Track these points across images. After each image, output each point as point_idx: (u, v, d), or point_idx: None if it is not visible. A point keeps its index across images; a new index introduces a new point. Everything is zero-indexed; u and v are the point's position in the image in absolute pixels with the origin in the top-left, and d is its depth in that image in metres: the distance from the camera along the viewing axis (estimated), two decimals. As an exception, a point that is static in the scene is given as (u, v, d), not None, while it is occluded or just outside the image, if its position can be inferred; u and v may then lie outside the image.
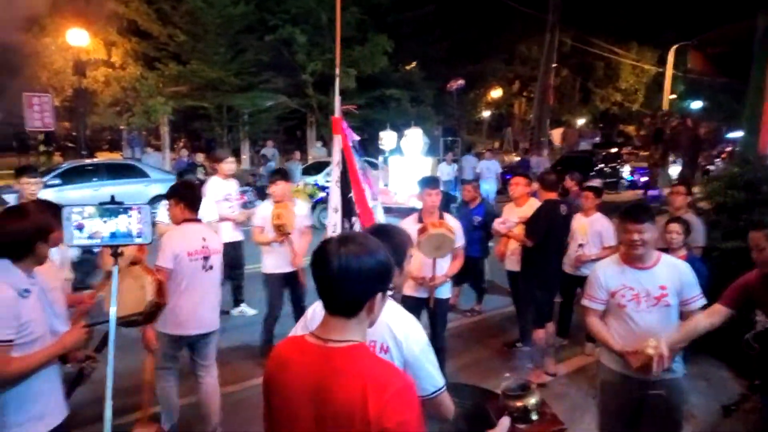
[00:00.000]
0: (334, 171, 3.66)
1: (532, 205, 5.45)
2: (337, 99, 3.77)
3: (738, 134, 12.73)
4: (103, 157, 18.28)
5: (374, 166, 16.19)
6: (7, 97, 16.41)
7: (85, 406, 4.04)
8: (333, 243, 1.50)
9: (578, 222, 5.76)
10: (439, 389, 1.99)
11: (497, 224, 5.55)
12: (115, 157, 19.34)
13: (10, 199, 5.20)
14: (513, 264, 5.62)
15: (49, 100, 15.73)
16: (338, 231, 3.53)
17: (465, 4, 25.30)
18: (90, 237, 2.17)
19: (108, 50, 17.97)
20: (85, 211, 2.17)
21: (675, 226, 4.33)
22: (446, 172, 13.67)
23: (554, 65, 23.62)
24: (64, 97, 18.06)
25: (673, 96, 34.15)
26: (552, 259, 5.14)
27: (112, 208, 2.19)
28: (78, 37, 15.95)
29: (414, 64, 25.58)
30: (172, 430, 3.91)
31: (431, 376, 1.97)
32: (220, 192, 6.23)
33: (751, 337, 4.18)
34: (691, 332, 3.02)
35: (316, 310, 2.09)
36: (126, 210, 2.19)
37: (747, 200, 5.34)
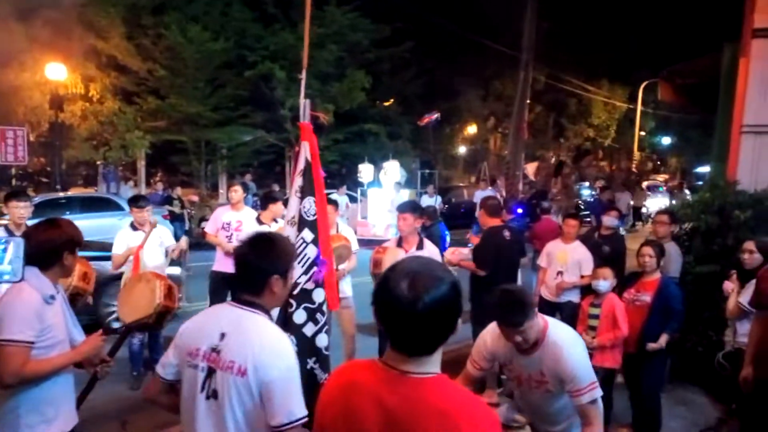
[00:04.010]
0: (296, 180, 3.38)
1: None
2: (303, 102, 3.48)
3: (706, 168, 13.27)
4: (77, 192, 17.97)
5: (353, 199, 16.29)
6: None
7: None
8: (402, 279, 1.36)
9: (558, 249, 5.84)
10: (292, 422, 1.82)
11: (449, 254, 5.56)
12: (89, 192, 19.05)
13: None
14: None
15: (24, 134, 15.59)
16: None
17: (441, 42, 25.93)
18: None
19: (86, 85, 17.90)
20: None
21: (648, 250, 4.39)
22: (428, 204, 13.79)
23: (528, 102, 24.17)
24: (40, 132, 17.89)
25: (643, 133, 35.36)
26: (508, 282, 5.05)
27: None
28: (56, 72, 15.91)
29: (392, 100, 26.00)
30: None
31: (285, 405, 1.82)
32: (217, 219, 6.19)
33: (722, 357, 4.27)
34: None
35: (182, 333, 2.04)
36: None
37: (720, 225, 5.46)
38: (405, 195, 13.89)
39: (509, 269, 5.19)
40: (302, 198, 3.34)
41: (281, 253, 2.04)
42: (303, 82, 3.59)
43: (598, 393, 2.56)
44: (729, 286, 4.26)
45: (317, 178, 3.40)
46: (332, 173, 25.29)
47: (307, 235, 3.29)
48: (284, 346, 1.92)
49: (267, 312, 2.00)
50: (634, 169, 32.02)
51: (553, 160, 24.36)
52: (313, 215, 3.31)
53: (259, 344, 1.86)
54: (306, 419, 1.82)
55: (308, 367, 3.12)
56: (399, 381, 1.39)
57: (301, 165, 3.40)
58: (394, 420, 1.35)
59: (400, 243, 4.83)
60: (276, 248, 2.04)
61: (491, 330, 2.83)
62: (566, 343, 2.63)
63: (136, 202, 5.52)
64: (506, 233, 5.17)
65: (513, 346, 2.68)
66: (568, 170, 23.83)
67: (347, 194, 15.78)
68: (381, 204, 14.39)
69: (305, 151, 3.39)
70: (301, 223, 3.31)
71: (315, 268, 3.25)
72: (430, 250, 4.75)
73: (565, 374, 2.56)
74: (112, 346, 2.92)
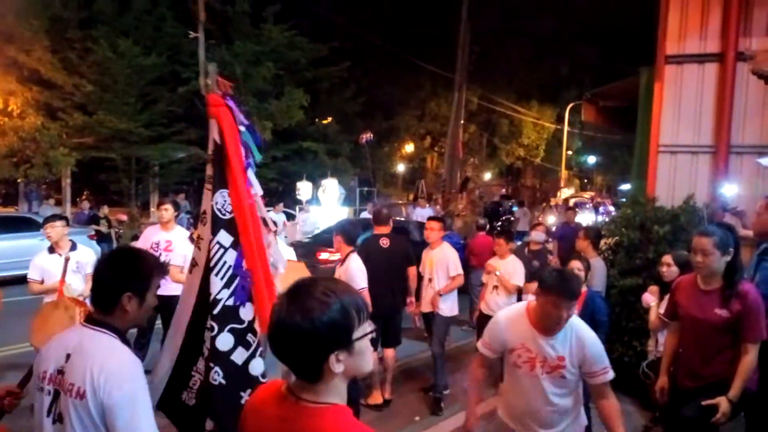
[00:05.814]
0: (207, 169, 2.71)
1: (444, 248, 5.72)
2: (205, 66, 2.74)
3: (629, 186, 14.09)
4: (-6, 211, 16.94)
5: (291, 217, 16.13)
6: None
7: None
8: (281, 301, 1.37)
9: (495, 265, 5.98)
10: None
11: None
12: (8, 211, 17.98)
13: None
14: (426, 305, 5.72)
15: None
16: (205, 246, 2.71)
17: (379, 62, 26.30)
18: None
19: (5, 99, 16.99)
20: None
21: (576, 264, 4.55)
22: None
23: (462, 122, 24.79)
24: (-46, 148, 16.77)
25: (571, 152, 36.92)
26: (380, 287, 5.08)
27: None
28: (-29, 85, 15.05)
29: (330, 118, 26.04)
30: None
31: (131, 430, 1.72)
32: (146, 240, 5.94)
33: (646, 366, 4.46)
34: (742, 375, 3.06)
35: (38, 356, 1.99)
36: None
37: (641, 240, 5.73)
38: (343, 213, 13.86)
39: (385, 276, 5.24)
40: (213, 191, 2.66)
41: (138, 270, 1.94)
42: (201, 38, 2.96)
43: (612, 374, 2.76)
44: (649, 298, 4.45)
45: (233, 165, 2.62)
46: (271, 191, 25.01)
47: (224, 238, 2.62)
48: (128, 368, 1.80)
49: (118, 332, 1.89)
50: (537, 187, 33.49)
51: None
52: (230, 213, 2.65)
53: (99, 366, 1.75)
54: None
55: (242, 401, 2.48)
56: (294, 408, 1.37)
57: (210, 149, 2.69)
58: None
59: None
60: (132, 264, 1.95)
61: (506, 314, 2.95)
62: (584, 326, 2.79)
63: (45, 221, 5.20)
64: (383, 241, 5.47)
65: (532, 328, 2.75)
66: (473, 186, 24.76)
67: (284, 212, 15.59)
68: (319, 222, 14.30)
69: (214, 131, 2.69)
70: (215, 223, 2.63)
71: (237, 281, 2.60)
72: (351, 265, 4.77)
73: (590, 354, 2.71)
74: (23, 377, 2.73)
